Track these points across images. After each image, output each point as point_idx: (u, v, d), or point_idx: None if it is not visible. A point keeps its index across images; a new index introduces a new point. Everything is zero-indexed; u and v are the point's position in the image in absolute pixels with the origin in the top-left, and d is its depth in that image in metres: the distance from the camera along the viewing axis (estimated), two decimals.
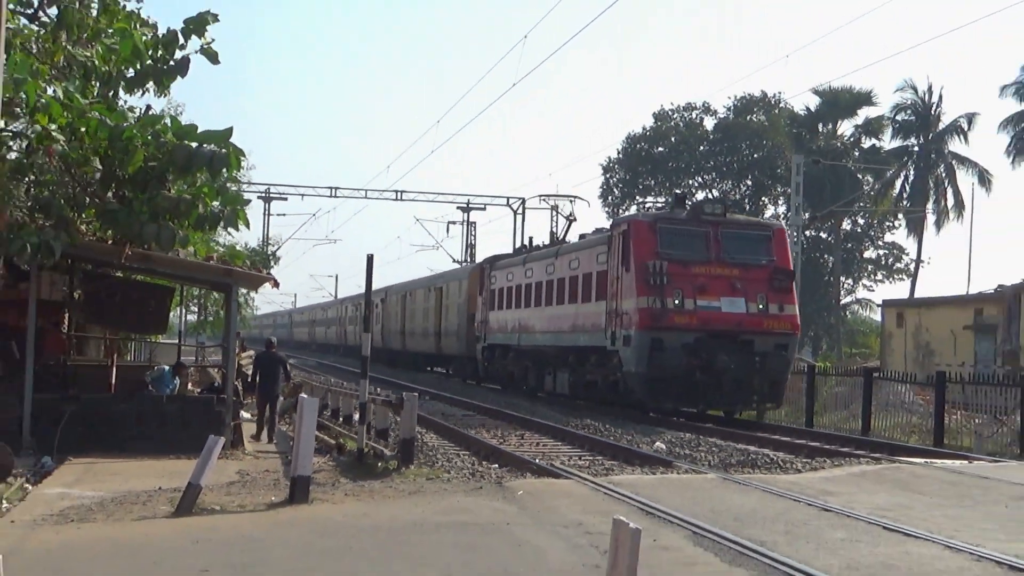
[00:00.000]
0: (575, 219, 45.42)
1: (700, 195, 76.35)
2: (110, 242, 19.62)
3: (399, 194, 75.13)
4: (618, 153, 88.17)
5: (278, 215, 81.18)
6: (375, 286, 68.73)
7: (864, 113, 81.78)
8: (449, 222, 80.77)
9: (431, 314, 57.13)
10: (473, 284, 49.23)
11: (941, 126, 77.86)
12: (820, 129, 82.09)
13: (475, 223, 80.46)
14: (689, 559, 11.15)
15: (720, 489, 16.56)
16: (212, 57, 19.34)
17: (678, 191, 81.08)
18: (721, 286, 29.64)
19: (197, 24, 19.17)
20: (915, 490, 16.76)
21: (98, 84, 19.39)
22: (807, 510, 14.51)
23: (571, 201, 47.46)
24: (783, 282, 30.36)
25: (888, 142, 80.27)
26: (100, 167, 19.05)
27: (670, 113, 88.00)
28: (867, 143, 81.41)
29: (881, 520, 13.58)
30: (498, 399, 38.68)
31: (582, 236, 42.21)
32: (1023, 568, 10.84)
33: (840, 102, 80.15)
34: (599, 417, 30.96)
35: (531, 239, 50.80)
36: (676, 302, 28.84)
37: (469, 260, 73.53)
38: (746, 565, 10.88)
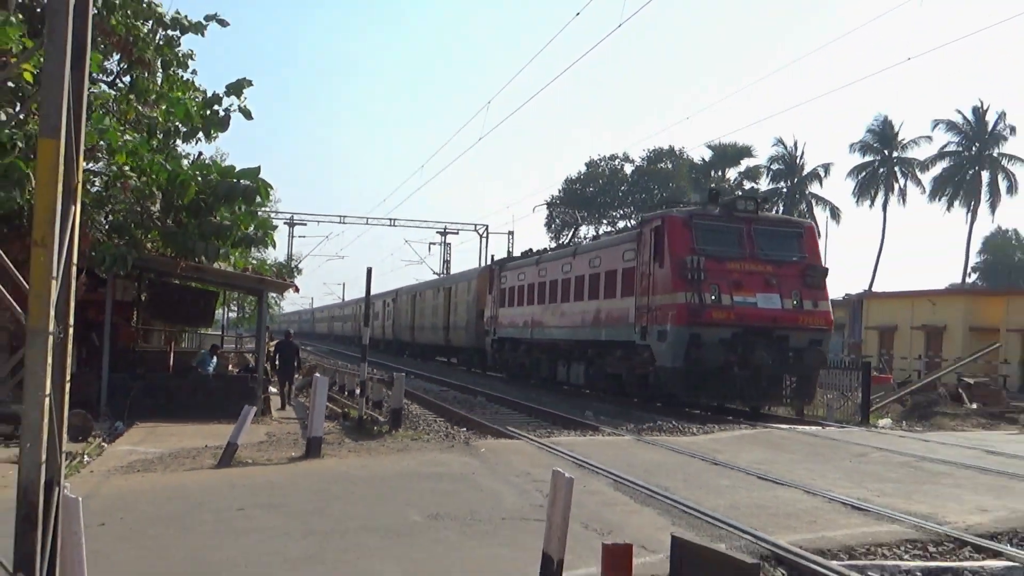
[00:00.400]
0: (579, 224, 42.96)
1: (620, 224, 75.97)
2: (169, 256, 19.59)
3: (393, 221, 74.67)
4: (559, 191, 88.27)
5: (299, 236, 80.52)
6: (383, 289, 66.78)
7: (746, 163, 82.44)
8: (430, 243, 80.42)
9: (440, 311, 50.89)
10: (482, 284, 42.56)
11: (804, 173, 78.77)
12: (712, 175, 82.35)
13: (450, 244, 79.99)
14: (611, 500, 11.21)
15: (634, 447, 16.59)
16: (247, 114, 19.50)
17: (606, 220, 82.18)
18: (756, 282, 23.58)
19: (236, 88, 19.38)
20: (782, 449, 16.84)
21: (160, 135, 19.43)
22: (700, 464, 14.57)
23: (575, 211, 43.68)
24: (816, 279, 24.30)
25: (764, 185, 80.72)
26: (162, 199, 19.18)
27: (598, 162, 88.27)
28: (748, 185, 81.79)
29: (756, 471, 13.67)
30: (492, 383, 35.76)
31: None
32: (862, 508, 10.99)
33: (728, 154, 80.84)
34: (553, 393, 30.89)
35: (553, 245, 48.42)
36: (713, 297, 22.90)
37: (445, 273, 73.00)
38: (654, 505, 10.94)
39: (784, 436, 18.96)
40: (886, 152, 74.98)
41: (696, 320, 22.69)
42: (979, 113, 72.60)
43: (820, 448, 17.16)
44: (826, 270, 25.29)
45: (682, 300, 22.92)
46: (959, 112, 73.65)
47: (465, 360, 48.08)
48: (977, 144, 72.38)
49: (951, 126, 72.98)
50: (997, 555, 9.15)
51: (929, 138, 74.40)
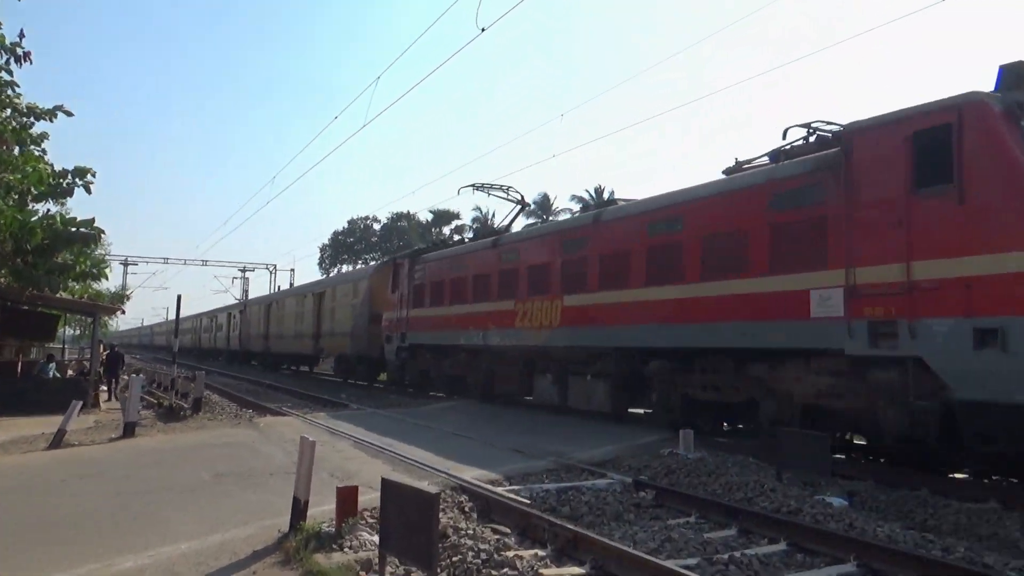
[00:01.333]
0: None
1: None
2: (18, 287, 17.57)
3: (204, 262, 69.98)
4: (328, 240, 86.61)
5: (132, 273, 73.95)
6: (230, 302, 56.34)
7: (455, 223, 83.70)
8: (234, 277, 75.62)
9: (307, 318, 33.54)
10: (380, 284, 25.90)
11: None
12: (433, 230, 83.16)
13: (248, 278, 75.75)
14: (351, 456, 10.84)
15: (373, 418, 16.08)
16: (87, 189, 18.01)
17: (362, 261, 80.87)
18: None
19: (81, 171, 17.93)
20: (473, 414, 16.61)
21: (17, 195, 17.55)
22: (417, 425, 14.44)
23: (505, 190, 23.43)
24: None
25: (468, 238, 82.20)
26: (12, 242, 17.35)
27: (357, 220, 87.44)
28: (456, 237, 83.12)
29: (453, 430, 13.62)
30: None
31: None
32: (520, 451, 11.26)
33: (443, 216, 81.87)
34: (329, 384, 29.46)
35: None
36: None
37: (245, 298, 68.91)
38: (381, 457, 10.67)
39: (469, 405, 18.40)
40: (545, 216, 78.47)
41: None
42: (599, 191, 77.67)
43: (499, 413, 17.06)
44: None
45: None
46: (586, 191, 78.58)
47: (346, 370, 30.18)
48: None
49: (580, 200, 77.78)
50: (604, 476, 9.70)
51: (570, 209, 78.79)
